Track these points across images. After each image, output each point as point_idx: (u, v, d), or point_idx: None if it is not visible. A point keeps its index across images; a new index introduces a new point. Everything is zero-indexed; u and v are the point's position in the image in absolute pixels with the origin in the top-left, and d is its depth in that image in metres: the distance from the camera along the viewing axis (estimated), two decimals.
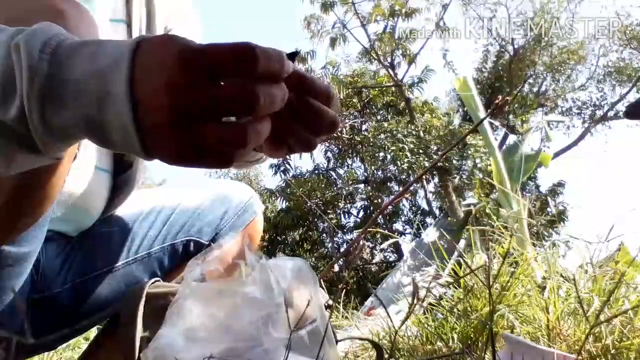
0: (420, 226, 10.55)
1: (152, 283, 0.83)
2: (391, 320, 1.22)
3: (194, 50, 0.39)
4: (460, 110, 11.63)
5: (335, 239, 11.06)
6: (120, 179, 0.87)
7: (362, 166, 11.32)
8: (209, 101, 0.39)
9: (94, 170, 0.82)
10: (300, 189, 10.37)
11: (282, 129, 0.46)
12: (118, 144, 0.41)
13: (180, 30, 0.95)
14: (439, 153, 8.48)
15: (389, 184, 10.64)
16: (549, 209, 8.53)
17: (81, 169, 0.79)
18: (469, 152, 8.78)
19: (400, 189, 10.26)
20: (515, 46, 12.31)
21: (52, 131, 0.42)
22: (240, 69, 0.39)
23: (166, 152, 0.41)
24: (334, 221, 10.78)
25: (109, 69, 0.39)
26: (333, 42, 10.37)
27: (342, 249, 10.83)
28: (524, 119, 11.45)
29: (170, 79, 0.38)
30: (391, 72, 10.46)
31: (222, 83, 0.39)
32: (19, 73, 0.40)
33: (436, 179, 9.81)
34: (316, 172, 11.10)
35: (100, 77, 0.39)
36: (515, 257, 1.47)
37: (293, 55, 0.47)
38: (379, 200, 10.41)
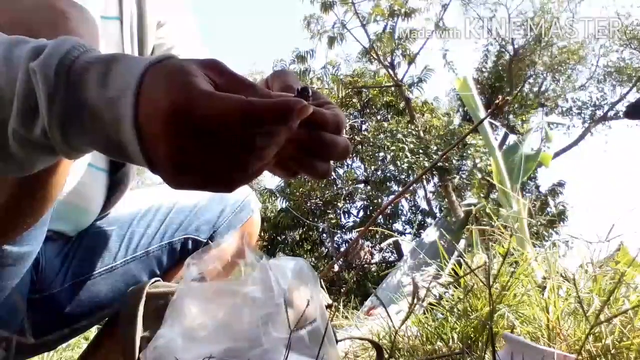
0: (420, 226, 10.55)
1: (152, 283, 0.83)
2: (391, 320, 1.22)
3: (187, 105, 0.39)
4: (460, 110, 11.63)
5: (335, 238, 11.05)
6: (117, 177, 0.87)
7: (362, 166, 11.31)
8: (200, 155, 0.41)
9: (93, 169, 0.82)
10: (300, 189, 10.37)
11: (294, 160, 0.48)
12: (135, 162, 0.44)
13: (173, 24, 0.95)
14: (439, 153, 8.48)
15: (388, 184, 10.63)
16: (549, 209, 8.53)
17: (74, 166, 0.79)
18: (469, 152, 8.77)
19: (400, 189, 10.25)
20: (515, 46, 12.31)
21: (74, 148, 0.44)
22: (234, 130, 0.40)
23: (172, 183, 0.43)
24: (333, 221, 10.77)
25: (118, 98, 0.41)
26: (331, 42, 10.36)
27: (342, 249, 10.82)
28: (524, 119, 11.45)
29: (162, 130, 0.40)
30: (391, 72, 10.44)
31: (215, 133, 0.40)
32: (39, 98, 0.42)
33: (436, 179, 9.81)
34: None
35: (113, 105, 0.41)
36: (515, 257, 1.47)
37: (304, 92, 0.48)
38: (379, 200, 10.40)
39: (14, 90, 0.42)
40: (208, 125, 0.39)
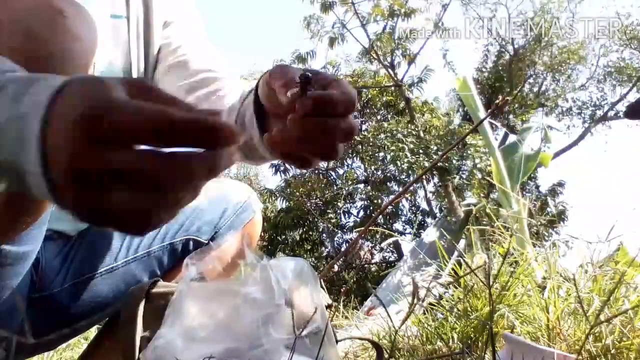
0: (420, 226, 10.55)
1: (152, 283, 0.82)
2: (391, 320, 1.22)
3: (91, 116, 0.34)
4: (460, 110, 11.63)
5: (335, 238, 11.05)
6: None
7: (362, 166, 11.31)
8: (101, 172, 0.34)
9: None
10: (300, 189, 10.36)
11: (302, 149, 0.50)
12: (38, 195, 0.39)
13: (179, 23, 0.95)
14: (439, 153, 8.47)
15: (389, 184, 10.63)
16: (549, 209, 8.53)
17: None
18: (469, 152, 8.77)
19: (400, 189, 10.25)
20: (515, 46, 12.31)
21: None
22: (147, 141, 0.35)
23: (76, 212, 0.37)
24: (333, 221, 10.77)
25: (26, 115, 0.37)
26: (332, 42, 10.36)
27: (342, 249, 10.82)
28: (524, 119, 11.45)
29: (66, 145, 0.35)
30: (391, 72, 10.44)
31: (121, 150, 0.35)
32: None
33: (436, 179, 9.81)
34: (316, 172, 11.09)
35: (18, 123, 0.37)
36: (515, 257, 1.47)
37: (306, 79, 0.49)
38: (379, 200, 10.40)
39: None
40: (115, 132, 0.34)
